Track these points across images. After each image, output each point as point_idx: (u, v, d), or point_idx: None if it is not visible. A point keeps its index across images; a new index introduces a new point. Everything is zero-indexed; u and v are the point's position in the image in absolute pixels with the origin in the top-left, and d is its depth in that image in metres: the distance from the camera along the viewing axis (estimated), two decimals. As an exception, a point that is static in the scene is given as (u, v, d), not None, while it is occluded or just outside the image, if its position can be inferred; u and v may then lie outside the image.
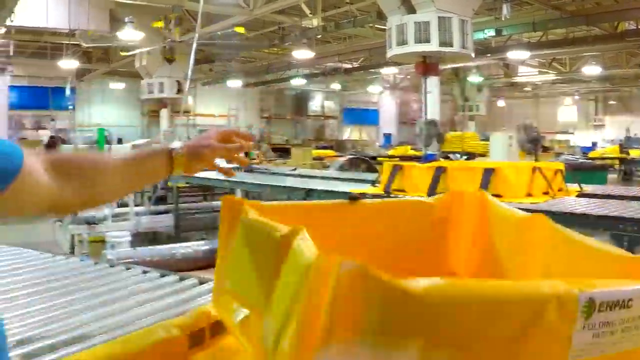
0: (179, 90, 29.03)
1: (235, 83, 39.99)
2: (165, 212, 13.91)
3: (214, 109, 42.42)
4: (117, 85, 40.97)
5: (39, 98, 38.31)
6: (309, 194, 9.19)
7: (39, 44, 31.27)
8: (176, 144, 1.95)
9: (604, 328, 1.15)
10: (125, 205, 13.80)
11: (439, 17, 14.81)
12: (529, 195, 7.44)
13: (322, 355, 1.01)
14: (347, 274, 1.00)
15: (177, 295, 2.96)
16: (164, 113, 31.47)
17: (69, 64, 29.98)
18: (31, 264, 3.98)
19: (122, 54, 27.76)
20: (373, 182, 9.25)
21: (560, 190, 7.94)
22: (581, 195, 8.09)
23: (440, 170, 7.78)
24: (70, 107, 38.99)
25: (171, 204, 13.93)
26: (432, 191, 7.62)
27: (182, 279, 3.35)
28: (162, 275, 3.49)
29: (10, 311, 2.74)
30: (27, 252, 4.35)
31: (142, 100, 34.84)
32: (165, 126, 31.03)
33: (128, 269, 3.77)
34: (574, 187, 8.44)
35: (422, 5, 14.99)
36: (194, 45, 11.47)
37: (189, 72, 12.44)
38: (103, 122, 38.08)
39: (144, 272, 3.68)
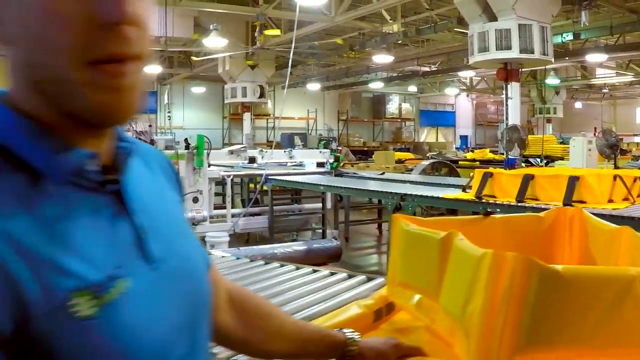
0: (262, 95, 29.66)
1: (314, 86, 40.30)
2: (260, 213, 14.33)
3: (293, 112, 42.77)
4: (199, 89, 41.51)
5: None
6: (403, 198, 9.69)
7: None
8: (353, 334, 1.83)
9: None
10: (223, 207, 14.50)
11: (519, 24, 15.08)
12: (611, 201, 7.87)
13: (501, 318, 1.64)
14: (519, 261, 1.61)
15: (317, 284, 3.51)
16: (247, 117, 32.02)
17: (152, 69, 30.86)
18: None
19: (196, 58, 28.29)
20: (464, 188, 9.67)
21: (639, 196, 8.38)
22: (660, 201, 8.54)
23: (528, 178, 8.22)
24: (153, 110, 40.00)
25: (265, 205, 14.31)
26: (520, 197, 8.08)
27: (314, 271, 3.86)
28: (297, 268, 4.06)
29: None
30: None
31: (224, 104, 35.61)
32: (248, 130, 31.68)
33: (253, 261, 4.36)
34: (654, 192, 8.86)
35: (503, 13, 15.25)
36: (291, 53, 12.01)
37: (287, 79, 12.97)
38: (184, 125, 38.98)
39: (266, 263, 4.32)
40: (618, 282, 1.70)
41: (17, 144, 1.04)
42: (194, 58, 30.15)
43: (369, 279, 3.39)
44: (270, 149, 17.90)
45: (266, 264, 4.30)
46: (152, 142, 37.75)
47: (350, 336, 1.82)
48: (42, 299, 0.94)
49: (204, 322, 1.30)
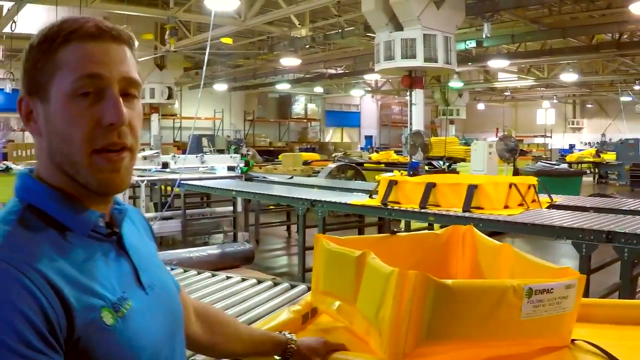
0: (170, 96, 29.71)
1: (221, 87, 40.31)
2: (172, 217, 14.46)
3: (199, 112, 42.71)
4: (106, 89, 40.75)
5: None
6: (313, 204, 10.06)
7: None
8: (292, 335, 2.39)
9: (538, 303, 2.26)
10: None
11: (424, 34, 15.49)
12: (507, 207, 8.40)
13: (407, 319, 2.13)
14: (418, 277, 2.10)
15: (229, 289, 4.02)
16: (155, 117, 31.96)
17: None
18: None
19: None
20: (370, 194, 10.08)
21: (533, 201, 8.95)
22: (551, 206, 9.14)
23: (431, 186, 8.69)
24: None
25: (178, 209, 14.49)
26: (423, 203, 8.57)
27: (228, 277, 4.38)
28: (213, 275, 4.54)
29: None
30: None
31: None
32: (156, 131, 31.59)
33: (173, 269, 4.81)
34: (545, 197, 9.48)
35: (409, 23, 15.64)
36: (207, 54, 12.27)
37: (202, 80, 13.19)
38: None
39: (185, 271, 4.76)
40: (495, 292, 2.21)
41: (50, 208, 1.52)
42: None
43: (292, 287, 3.90)
44: (178, 149, 17.99)
45: (185, 271, 4.78)
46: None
47: (290, 337, 2.36)
48: (83, 313, 1.39)
49: (180, 333, 1.81)
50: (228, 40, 24.21)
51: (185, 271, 4.76)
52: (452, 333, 2.19)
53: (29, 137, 38.67)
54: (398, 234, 3.33)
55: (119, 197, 1.72)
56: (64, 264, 1.43)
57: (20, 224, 1.46)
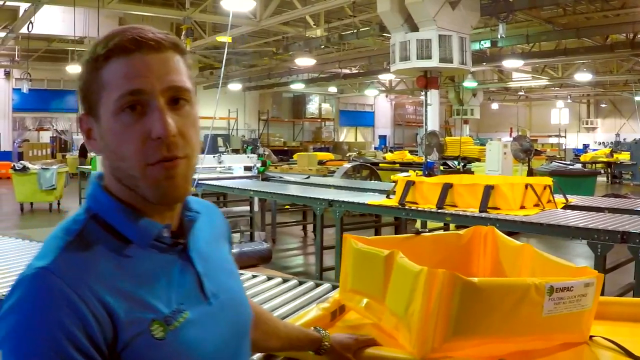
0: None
1: (235, 86, 40.60)
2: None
3: (214, 112, 42.59)
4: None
5: (40, 101, 38.89)
6: (331, 204, 10.14)
7: (46, 49, 31.71)
8: (325, 332, 2.48)
9: (559, 300, 2.39)
10: None
11: (439, 35, 15.62)
12: (522, 207, 8.49)
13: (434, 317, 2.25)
14: (446, 276, 2.22)
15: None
16: (168, 116, 31.73)
17: (75, 68, 30.83)
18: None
19: None
20: (388, 194, 10.15)
21: (549, 202, 9.03)
22: (566, 207, 9.21)
23: (447, 186, 8.77)
24: (74, 110, 39.82)
25: None
26: (440, 204, 8.64)
27: (254, 276, 4.48)
28: (269, 278, 4.64)
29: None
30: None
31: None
32: (169, 129, 31.67)
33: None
34: (560, 198, 9.56)
35: (424, 24, 15.78)
36: (225, 54, 12.33)
37: (220, 80, 13.24)
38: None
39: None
40: (519, 289, 2.33)
41: (113, 219, 1.57)
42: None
43: (317, 285, 4.02)
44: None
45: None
46: (72, 142, 37.67)
47: (324, 333, 2.46)
48: (130, 326, 1.43)
49: (246, 341, 1.84)
50: (228, 39, 24.33)
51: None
52: (477, 329, 2.31)
53: (43, 137, 38.93)
54: (422, 234, 3.47)
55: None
56: (119, 278, 1.48)
57: (82, 235, 1.52)
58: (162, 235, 1.61)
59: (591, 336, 2.71)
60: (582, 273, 2.62)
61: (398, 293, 2.51)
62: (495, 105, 59.33)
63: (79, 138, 38.82)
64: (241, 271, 4.79)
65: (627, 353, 2.55)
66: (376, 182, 16.53)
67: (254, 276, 4.49)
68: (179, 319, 1.52)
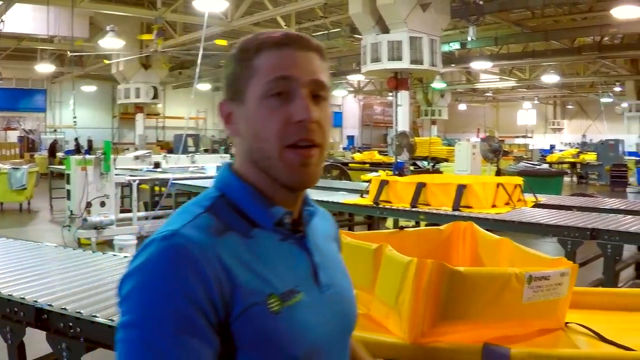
0: (155, 96, 29.76)
1: (204, 86, 40.71)
2: (163, 216, 14.08)
3: (183, 112, 42.58)
4: (89, 88, 41.04)
5: (8, 100, 38.84)
6: (307, 202, 10.28)
7: (15, 47, 31.13)
8: None
9: (537, 288, 2.59)
10: (126, 210, 14.83)
11: (410, 37, 15.84)
12: (494, 206, 8.73)
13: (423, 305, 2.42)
14: (435, 265, 2.39)
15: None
16: (140, 117, 32.02)
17: (44, 67, 30.85)
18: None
19: (105, 61, 28.10)
20: (362, 193, 10.31)
21: (519, 200, 9.23)
22: (536, 205, 9.44)
23: (421, 186, 8.94)
24: (42, 109, 39.74)
25: (167, 208, 14.33)
26: (414, 203, 8.85)
27: None
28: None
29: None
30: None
31: (116, 103, 35.47)
32: (140, 130, 31.69)
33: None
34: (530, 197, 9.77)
35: (395, 26, 15.99)
36: (200, 55, 12.40)
37: (195, 79, 13.30)
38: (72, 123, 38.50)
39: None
40: (501, 278, 2.52)
41: (240, 200, 1.68)
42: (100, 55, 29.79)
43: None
44: (162, 149, 18.03)
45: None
46: (40, 141, 37.39)
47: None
48: (249, 295, 1.51)
49: (349, 339, 1.89)
50: (223, 42, 24.38)
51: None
52: (464, 315, 2.50)
53: (11, 136, 38.61)
54: (405, 229, 3.64)
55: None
56: (243, 250, 1.58)
57: (211, 209, 1.63)
58: (284, 222, 1.70)
59: (567, 323, 2.92)
60: (558, 264, 2.81)
61: (388, 283, 2.67)
62: (462, 106, 59.61)
63: (47, 137, 38.66)
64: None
65: (600, 337, 2.75)
66: (347, 181, 16.67)
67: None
68: (293, 298, 1.60)
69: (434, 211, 8.70)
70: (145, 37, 24.65)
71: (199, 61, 12.05)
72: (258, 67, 1.66)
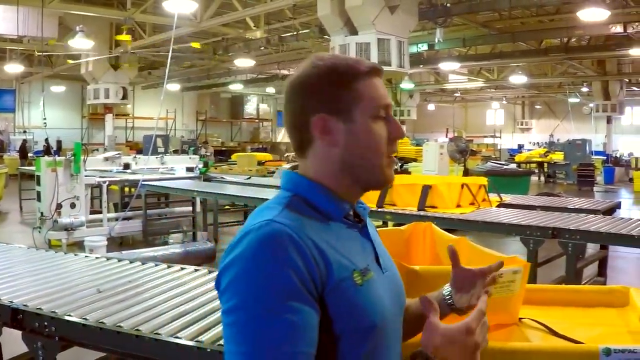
0: (124, 96, 29.56)
1: (173, 87, 40.72)
2: (133, 217, 14.55)
3: (152, 112, 42.45)
4: (58, 88, 41.00)
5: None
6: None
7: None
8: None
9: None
10: (97, 212, 14.86)
11: (378, 38, 16.00)
12: (459, 206, 8.91)
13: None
14: (400, 265, 2.52)
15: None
16: (109, 118, 32.04)
17: (13, 68, 30.78)
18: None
19: (69, 62, 27.95)
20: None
21: (484, 200, 9.39)
22: (501, 205, 9.61)
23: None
24: (11, 109, 39.57)
25: (138, 209, 14.55)
26: (380, 203, 8.99)
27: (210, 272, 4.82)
28: (195, 270, 4.97)
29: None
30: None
31: (85, 104, 35.31)
32: (110, 131, 31.64)
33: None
34: (495, 197, 9.94)
35: (364, 27, 16.11)
36: (170, 55, 12.47)
37: (165, 81, 13.37)
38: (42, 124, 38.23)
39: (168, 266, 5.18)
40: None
41: (313, 196, 1.94)
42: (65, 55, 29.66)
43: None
44: (131, 149, 18.03)
45: (169, 267, 5.23)
46: (9, 142, 37.14)
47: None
48: (339, 270, 1.77)
49: (402, 313, 2.13)
50: (196, 45, 24.39)
51: (169, 266, 5.16)
52: (419, 311, 2.63)
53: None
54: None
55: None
56: (326, 235, 1.84)
57: (289, 206, 1.88)
58: (349, 214, 2.00)
59: (521, 318, 3.06)
60: (511, 262, 2.94)
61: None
62: (431, 106, 59.91)
63: (16, 138, 38.53)
64: (185, 265, 5.11)
65: (551, 331, 2.90)
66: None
67: (196, 270, 4.79)
68: (369, 274, 1.87)
69: (400, 211, 8.86)
70: (122, 37, 24.54)
71: (168, 62, 12.13)
72: (363, 92, 1.96)
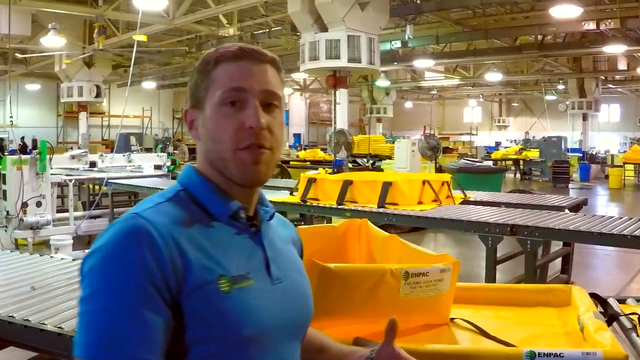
0: (98, 94, 29.63)
1: (149, 85, 40.71)
2: (100, 216, 14.51)
3: (128, 110, 42.08)
4: (33, 87, 40.71)
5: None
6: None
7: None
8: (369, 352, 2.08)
9: (415, 284, 2.64)
10: (65, 210, 14.70)
11: (348, 35, 15.92)
12: (420, 203, 8.83)
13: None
14: (306, 262, 2.42)
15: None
16: (83, 116, 31.94)
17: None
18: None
19: (41, 54, 27.81)
20: (291, 191, 10.40)
21: (447, 197, 9.35)
22: (464, 202, 9.57)
23: (347, 183, 9.03)
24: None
25: (105, 207, 14.52)
26: (340, 200, 8.96)
27: None
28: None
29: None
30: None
31: (60, 102, 35.10)
32: (84, 129, 31.53)
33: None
34: (459, 194, 9.89)
35: (334, 24, 16.07)
36: (134, 52, 12.43)
37: (129, 76, 13.32)
38: (17, 123, 38.15)
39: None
40: (375, 274, 2.58)
41: (199, 193, 1.87)
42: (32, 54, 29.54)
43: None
44: (107, 148, 17.94)
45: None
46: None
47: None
48: (199, 273, 1.67)
49: (300, 335, 2.00)
50: (143, 37, 24.25)
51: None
52: (335, 311, 2.54)
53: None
54: (299, 227, 3.68)
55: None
56: (197, 235, 1.75)
57: (173, 200, 1.82)
58: (240, 215, 1.88)
59: (452, 318, 2.97)
60: (441, 260, 2.86)
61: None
62: (409, 104, 59.92)
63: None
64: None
65: (482, 333, 2.81)
66: (286, 179, 16.71)
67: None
68: (244, 282, 1.75)
69: (360, 208, 8.79)
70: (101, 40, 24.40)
71: (132, 59, 12.04)
72: (215, 78, 1.85)
